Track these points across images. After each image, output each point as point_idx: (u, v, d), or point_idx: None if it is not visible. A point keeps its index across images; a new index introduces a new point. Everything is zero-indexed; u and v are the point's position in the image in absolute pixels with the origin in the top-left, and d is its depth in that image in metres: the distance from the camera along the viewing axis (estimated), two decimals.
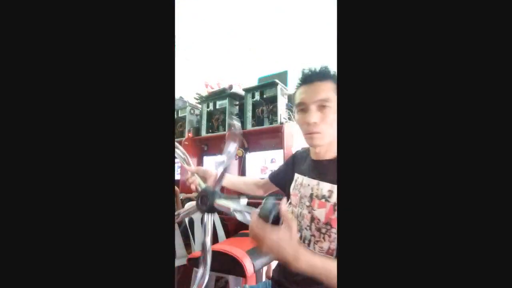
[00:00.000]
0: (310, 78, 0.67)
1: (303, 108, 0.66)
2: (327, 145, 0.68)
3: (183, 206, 1.65)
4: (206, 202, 0.63)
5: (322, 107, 0.64)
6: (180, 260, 1.53)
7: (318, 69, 0.68)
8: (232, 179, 0.97)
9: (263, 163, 1.96)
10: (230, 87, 2.12)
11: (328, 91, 0.64)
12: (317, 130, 0.64)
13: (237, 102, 2.15)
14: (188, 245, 1.68)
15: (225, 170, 0.64)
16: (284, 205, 0.48)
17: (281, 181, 0.88)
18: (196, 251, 1.44)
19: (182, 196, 1.98)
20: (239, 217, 0.58)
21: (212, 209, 0.63)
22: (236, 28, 3.01)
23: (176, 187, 1.87)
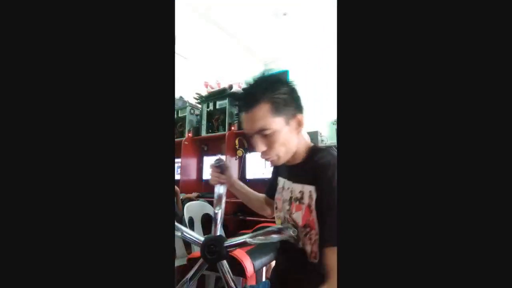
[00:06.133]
0: (243, 108, 0.65)
1: (250, 136, 0.66)
2: (293, 155, 0.67)
3: (183, 206, 1.65)
4: (215, 250, 0.59)
5: (264, 135, 0.62)
6: (180, 260, 1.53)
7: (246, 96, 0.65)
8: (245, 191, 0.90)
9: (263, 163, 1.96)
10: (230, 87, 2.12)
11: (263, 118, 0.61)
12: (269, 156, 0.65)
13: (237, 102, 2.14)
14: (188, 245, 1.68)
15: (221, 215, 0.66)
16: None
17: (274, 192, 0.83)
18: (196, 251, 1.44)
19: (182, 196, 1.98)
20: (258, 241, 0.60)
21: (223, 256, 0.60)
22: (236, 28, 3.01)
23: (176, 187, 1.87)
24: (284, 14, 2.75)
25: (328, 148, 0.65)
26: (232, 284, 0.60)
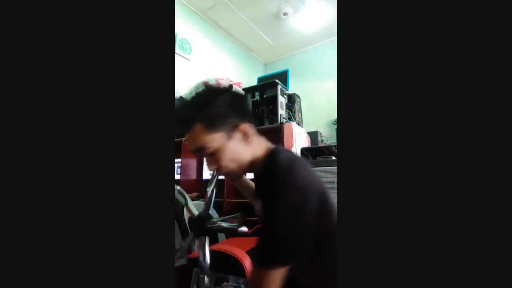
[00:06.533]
0: (180, 128, 0.62)
1: (197, 154, 0.67)
2: (251, 165, 0.64)
3: None
4: (200, 224, 0.75)
5: (208, 153, 0.59)
6: (180, 260, 1.53)
7: (180, 116, 0.60)
8: (240, 179, 0.89)
9: None
10: (230, 87, 2.12)
11: (200, 138, 0.58)
12: (223, 172, 0.62)
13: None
14: (189, 247, 1.67)
15: (213, 193, 0.76)
16: None
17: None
18: (196, 251, 1.44)
19: None
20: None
21: (205, 231, 0.72)
22: (236, 28, 3.01)
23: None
24: (284, 14, 2.75)
25: (286, 153, 0.60)
26: (201, 258, 0.73)
